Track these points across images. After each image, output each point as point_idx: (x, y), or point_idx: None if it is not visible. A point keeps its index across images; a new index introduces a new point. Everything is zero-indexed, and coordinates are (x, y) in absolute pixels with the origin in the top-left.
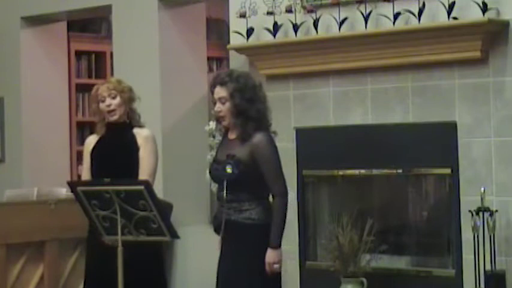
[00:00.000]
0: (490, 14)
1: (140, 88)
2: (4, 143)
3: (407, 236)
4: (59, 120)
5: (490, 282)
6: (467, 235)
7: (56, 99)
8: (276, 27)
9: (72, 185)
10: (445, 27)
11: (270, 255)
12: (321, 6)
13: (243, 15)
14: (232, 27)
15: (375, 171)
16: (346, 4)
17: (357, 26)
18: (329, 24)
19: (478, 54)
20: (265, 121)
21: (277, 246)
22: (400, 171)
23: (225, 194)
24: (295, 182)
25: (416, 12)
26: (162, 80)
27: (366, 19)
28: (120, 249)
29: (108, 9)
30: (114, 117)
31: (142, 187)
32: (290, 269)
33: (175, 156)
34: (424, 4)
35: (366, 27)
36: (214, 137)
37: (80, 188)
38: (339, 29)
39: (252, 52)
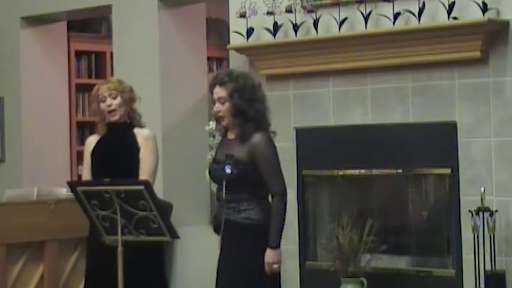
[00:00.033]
0: (490, 14)
1: (140, 88)
2: (4, 143)
3: (407, 236)
4: (59, 120)
5: (490, 282)
6: (467, 235)
7: (56, 99)
8: (276, 27)
9: (72, 185)
10: (445, 27)
11: (269, 255)
12: (321, 6)
13: (243, 15)
14: (232, 27)
15: (374, 171)
16: (346, 4)
17: (357, 26)
18: (329, 24)
19: (478, 54)
20: (265, 121)
21: (277, 246)
22: (400, 171)
23: (224, 194)
24: (295, 182)
25: (416, 12)
26: (162, 80)
27: (366, 19)
28: (120, 249)
29: (108, 9)
30: (115, 118)
31: (142, 187)
32: (290, 269)
33: (175, 156)
34: (424, 4)
35: (366, 27)
36: (214, 137)
37: (80, 188)
38: (339, 29)
39: (252, 52)
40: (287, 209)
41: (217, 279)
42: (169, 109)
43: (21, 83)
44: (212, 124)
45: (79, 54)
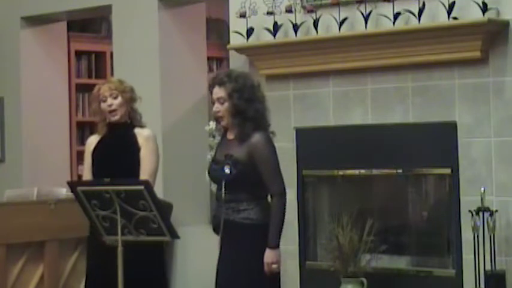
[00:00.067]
0: (490, 14)
1: (140, 88)
2: (4, 143)
3: (407, 236)
4: (59, 120)
5: (490, 282)
6: (467, 235)
7: (56, 99)
8: (276, 27)
9: (72, 185)
10: (445, 27)
11: (269, 255)
12: (321, 6)
13: (243, 15)
14: (232, 27)
15: (374, 171)
16: (346, 4)
17: (357, 26)
18: (329, 24)
19: (478, 54)
20: (264, 121)
21: (276, 246)
22: (400, 171)
23: (223, 194)
24: (295, 182)
25: (416, 12)
26: (162, 80)
27: (366, 19)
28: (120, 249)
29: (108, 9)
30: (116, 117)
31: (142, 187)
32: (290, 269)
33: (175, 156)
34: (424, 4)
35: (366, 27)
36: (214, 137)
37: (80, 188)
38: (339, 29)
39: (252, 52)
40: (287, 209)
41: (216, 279)
42: (169, 109)
43: (21, 83)
44: (212, 124)
45: (79, 54)
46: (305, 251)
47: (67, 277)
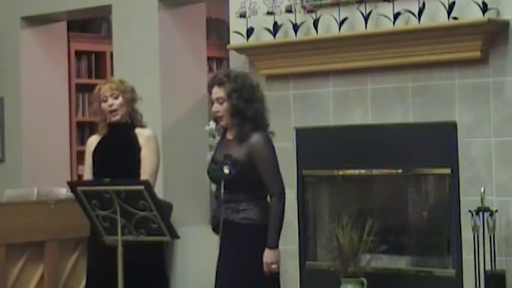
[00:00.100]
0: (490, 14)
1: (140, 88)
2: (4, 143)
3: (407, 236)
4: (59, 120)
5: (490, 282)
6: (467, 235)
7: (56, 99)
8: (276, 27)
9: (72, 185)
10: (445, 27)
11: (268, 255)
12: (321, 6)
13: (243, 15)
14: (232, 27)
15: (374, 171)
16: (346, 4)
17: (357, 26)
18: (329, 24)
19: (478, 54)
20: (263, 121)
21: (275, 246)
22: (400, 171)
23: (222, 194)
24: (295, 182)
25: (416, 12)
26: (162, 80)
27: (366, 19)
28: (120, 249)
29: (108, 9)
30: (116, 118)
31: (142, 187)
32: (290, 269)
33: (175, 156)
34: (424, 4)
35: (366, 27)
36: (214, 137)
37: (80, 188)
38: (339, 29)
39: (252, 52)
40: (286, 209)
41: (216, 279)
42: (169, 109)
43: (21, 83)
44: (212, 124)
45: (79, 54)
46: (305, 251)
47: (67, 277)
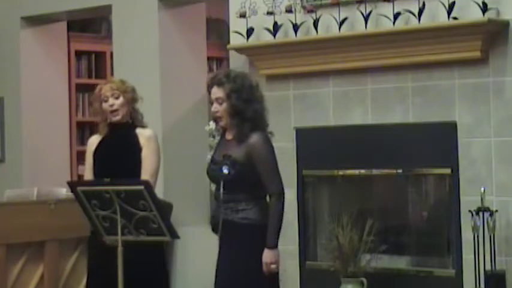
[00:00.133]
0: (490, 14)
1: (140, 88)
2: (4, 143)
3: (407, 236)
4: (59, 120)
5: (490, 282)
6: (467, 235)
7: (56, 99)
8: (276, 27)
9: (72, 185)
10: (445, 27)
11: (267, 255)
12: (321, 6)
13: (243, 15)
14: (232, 27)
15: (374, 171)
16: (346, 4)
17: (357, 26)
18: (329, 24)
19: (478, 54)
20: (262, 121)
21: (274, 246)
22: (400, 171)
23: (221, 194)
24: (295, 182)
25: (416, 12)
26: (162, 80)
27: (366, 19)
28: (120, 249)
29: (108, 9)
30: (117, 118)
31: (142, 187)
32: (290, 269)
33: (175, 156)
34: (424, 4)
35: (366, 27)
36: (214, 137)
37: (80, 188)
38: (339, 29)
39: (252, 52)
40: (286, 209)
41: (216, 279)
42: (169, 109)
43: (21, 83)
44: (212, 124)
45: (79, 54)
46: (305, 251)
47: (67, 277)
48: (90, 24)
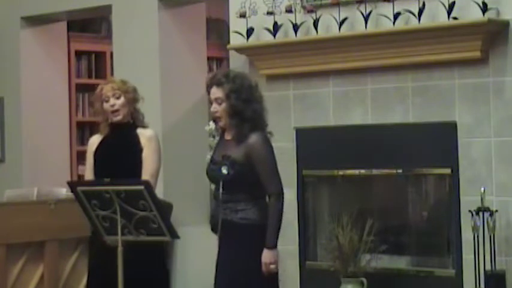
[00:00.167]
0: (490, 14)
1: (140, 88)
2: (4, 143)
3: (407, 236)
4: (59, 120)
5: (490, 282)
6: (467, 235)
7: (56, 99)
8: (276, 27)
9: (72, 185)
10: (445, 27)
11: (266, 255)
12: (321, 6)
13: (243, 15)
14: (232, 27)
15: (374, 171)
16: (346, 4)
17: (357, 26)
18: (329, 24)
19: (478, 54)
20: (261, 121)
21: (273, 246)
22: (400, 171)
23: (220, 195)
24: (295, 182)
25: (416, 12)
26: (162, 80)
27: (366, 19)
28: (120, 249)
29: (108, 9)
30: (118, 118)
31: (142, 187)
32: (290, 269)
33: (175, 156)
34: (424, 4)
35: (366, 27)
36: (214, 137)
37: (80, 188)
38: (339, 29)
39: (252, 52)
40: (286, 209)
41: (215, 279)
42: (169, 109)
43: (21, 83)
44: (212, 124)
45: (79, 54)
46: (305, 251)
47: (67, 277)
48: (90, 24)
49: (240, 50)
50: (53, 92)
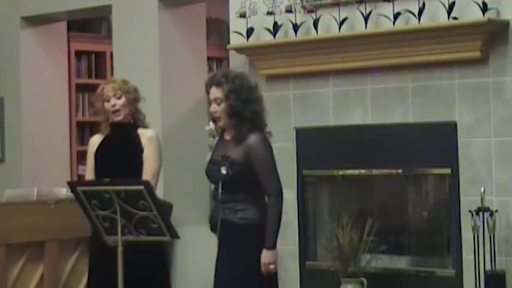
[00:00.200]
0: (490, 14)
1: (140, 88)
2: (4, 143)
3: (407, 236)
4: (59, 120)
5: (490, 282)
6: (467, 235)
7: (56, 99)
8: (276, 27)
9: (72, 185)
10: (445, 27)
11: (265, 255)
12: (321, 6)
13: (243, 15)
14: (232, 27)
15: (374, 171)
16: (346, 4)
17: (357, 26)
18: (329, 24)
19: (478, 54)
20: (261, 122)
21: (272, 246)
22: (400, 171)
23: (219, 195)
24: (295, 182)
25: (416, 12)
26: (162, 80)
27: (366, 19)
28: (120, 249)
29: (108, 9)
30: (119, 118)
31: (142, 187)
32: (290, 269)
33: (175, 156)
34: (424, 4)
35: (366, 27)
36: (214, 137)
37: (80, 188)
38: (339, 29)
39: (252, 52)
40: (286, 209)
41: (214, 279)
42: (169, 109)
43: (21, 83)
44: (212, 124)
45: (79, 54)
46: (305, 251)
47: (67, 277)
48: (90, 24)
49: (240, 50)
50: (53, 92)
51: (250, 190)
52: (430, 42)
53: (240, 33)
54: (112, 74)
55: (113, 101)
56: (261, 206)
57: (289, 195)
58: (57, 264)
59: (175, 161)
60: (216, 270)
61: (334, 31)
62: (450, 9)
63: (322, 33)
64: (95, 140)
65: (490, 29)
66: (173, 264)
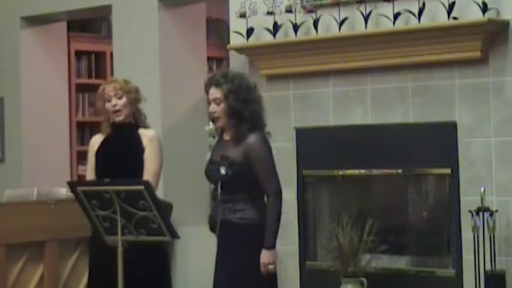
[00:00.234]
0: (490, 14)
1: (140, 88)
2: (4, 143)
3: (407, 236)
4: (59, 120)
5: (490, 282)
6: (467, 235)
7: (56, 99)
8: (276, 27)
9: (72, 185)
10: (445, 27)
11: (265, 255)
12: (321, 6)
13: (243, 15)
14: (232, 27)
15: (374, 171)
16: (346, 4)
17: (357, 26)
18: (329, 24)
19: (478, 54)
20: (260, 122)
21: (272, 246)
22: (400, 171)
23: (219, 195)
24: (295, 182)
25: (416, 12)
26: (162, 80)
27: (366, 19)
28: (120, 249)
29: (108, 9)
30: (120, 118)
31: (142, 187)
32: (290, 269)
33: (175, 156)
34: (424, 4)
35: (366, 27)
36: (214, 137)
37: (80, 188)
38: (339, 29)
39: (252, 52)
40: (286, 209)
41: (214, 279)
42: (169, 109)
43: (21, 83)
44: (212, 124)
45: (79, 54)
46: (305, 251)
47: (67, 277)
48: (90, 24)
49: (240, 50)
50: (53, 92)
51: (250, 190)
52: (430, 42)
53: (240, 33)
54: (112, 74)
55: (114, 101)
56: (260, 206)
57: (289, 195)
58: (57, 264)
59: (175, 161)
60: (215, 271)
61: (334, 31)
62: (450, 9)
63: (322, 33)
64: (96, 140)
65: (490, 29)
66: (173, 264)
